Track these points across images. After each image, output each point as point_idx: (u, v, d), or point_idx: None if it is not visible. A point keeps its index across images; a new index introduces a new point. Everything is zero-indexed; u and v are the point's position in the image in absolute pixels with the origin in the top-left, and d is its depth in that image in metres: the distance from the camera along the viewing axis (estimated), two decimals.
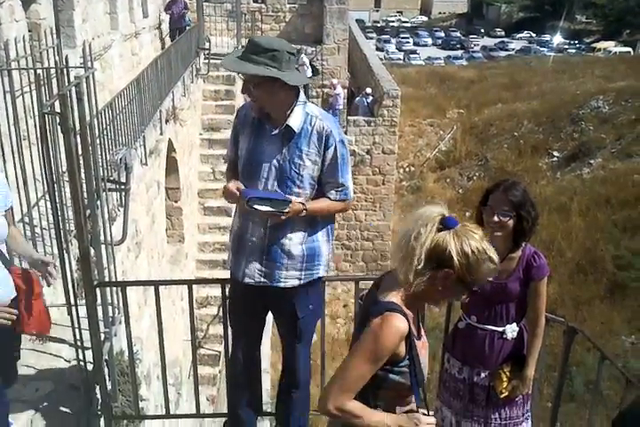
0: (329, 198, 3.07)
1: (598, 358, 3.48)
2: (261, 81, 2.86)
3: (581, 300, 15.59)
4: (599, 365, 3.50)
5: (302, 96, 3.02)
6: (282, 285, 3.10)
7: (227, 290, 3.45)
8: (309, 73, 18.41)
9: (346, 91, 20.84)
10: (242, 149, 3.10)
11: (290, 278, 3.10)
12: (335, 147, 2.98)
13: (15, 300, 2.93)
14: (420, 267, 2.15)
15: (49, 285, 3.17)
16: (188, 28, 15.20)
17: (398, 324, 2.15)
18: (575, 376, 12.12)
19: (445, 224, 2.18)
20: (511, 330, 3.39)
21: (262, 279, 3.10)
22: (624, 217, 17.88)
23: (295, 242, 3.07)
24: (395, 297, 2.23)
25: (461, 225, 2.19)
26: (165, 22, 16.39)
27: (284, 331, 3.35)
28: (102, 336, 3.44)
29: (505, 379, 3.39)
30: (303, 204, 2.96)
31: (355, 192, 19.14)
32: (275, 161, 2.99)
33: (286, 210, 2.91)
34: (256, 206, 2.90)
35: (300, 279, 3.12)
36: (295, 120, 2.96)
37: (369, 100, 18.28)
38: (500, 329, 3.38)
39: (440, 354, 3.73)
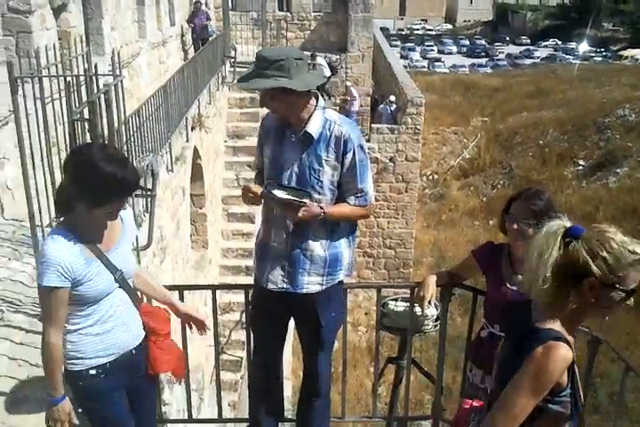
0: (348, 204, 3.07)
1: (623, 369, 3.44)
2: (275, 93, 2.88)
3: None
4: (624, 376, 3.46)
5: (322, 101, 3.04)
6: (304, 291, 3.11)
7: (250, 296, 3.48)
8: (327, 72, 18.43)
9: (369, 98, 20.88)
10: (266, 156, 3.13)
11: (312, 284, 3.11)
12: (354, 151, 2.96)
13: (144, 340, 2.86)
14: (557, 285, 2.07)
15: (201, 334, 3.10)
16: (211, 38, 15.09)
17: (564, 353, 2.07)
18: (599, 388, 11.96)
19: (572, 235, 2.10)
20: None
21: (285, 285, 3.12)
22: None
23: (317, 248, 3.08)
24: (553, 323, 2.15)
25: (588, 229, 2.10)
26: (189, 33, 16.37)
27: (306, 339, 3.36)
28: None
29: None
30: (321, 207, 2.97)
31: (377, 199, 19.12)
32: (295, 167, 3.00)
33: (306, 201, 2.90)
34: (274, 192, 2.89)
35: (321, 285, 3.13)
36: (314, 126, 2.97)
37: (392, 108, 18.28)
38: None
39: (462, 363, 3.72)
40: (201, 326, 3.07)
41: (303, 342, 3.39)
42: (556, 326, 2.14)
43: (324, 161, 2.97)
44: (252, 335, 3.51)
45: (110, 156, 2.47)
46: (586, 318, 2.22)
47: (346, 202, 3.07)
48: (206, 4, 19.22)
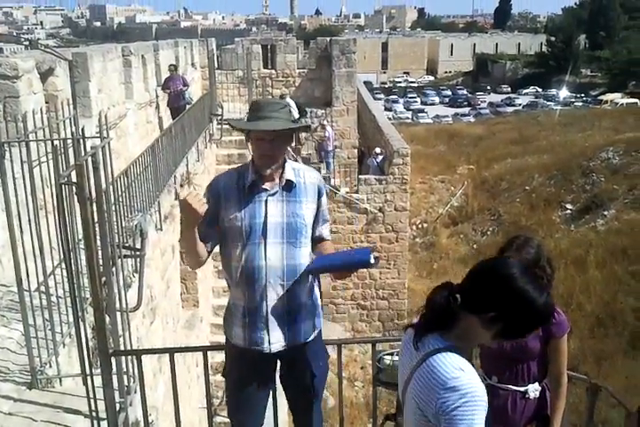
0: (324, 237, 3.30)
1: (624, 414, 3.39)
2: (279, 136, 3.00)
3: (603, 355, 15.23)
4: (626, 421, 3.41)
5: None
6: (305, 339, 3.17)
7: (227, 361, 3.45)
8: (296, 114, 18.63)
9: (355, 150, 21.14)
10: (232, 217, 3.05)
11: (309, 331, 3.18)
12: (325, 193, 3.28)
13: None
14: None
15: None
16: (188, 106, 13.82)
17: None
18: None
19: None
20: (533, 389, 3.32)
21: (288, 342, 3.11)
22: None
23: (307, 293, 3.16)
24: None
25: None
26: (163, 99, 15.05)
27: (298, 393, 3.32)
28: (117, 406, 3.39)
29: None
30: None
31: None
32: (279, 218, 3.05)
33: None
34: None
35: (314, 329, 3.23)
36: (290, 174, 3.11)
37: (378, 160, 18.49)
38: (522, 389, 3.31)
39: None
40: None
41: (294, 396, 3.36)
42: None
43: (304, 205, 3.12)
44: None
45: (533, 280, 2.16)
46: None
47: (321, 237, 3.27)
48: (193, 64, 19.60)
